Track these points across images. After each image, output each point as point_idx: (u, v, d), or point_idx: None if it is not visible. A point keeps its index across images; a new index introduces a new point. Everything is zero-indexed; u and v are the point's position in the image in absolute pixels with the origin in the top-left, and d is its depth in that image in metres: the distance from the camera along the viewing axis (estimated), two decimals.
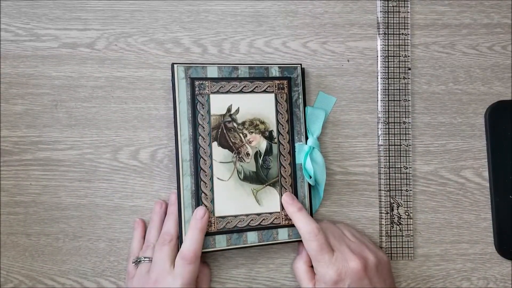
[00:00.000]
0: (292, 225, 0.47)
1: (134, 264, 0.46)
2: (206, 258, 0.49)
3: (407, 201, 0.51)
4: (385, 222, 0.51)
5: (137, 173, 0.49)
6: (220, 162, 0.46)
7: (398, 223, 0.51)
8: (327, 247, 0.44)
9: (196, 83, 0.46)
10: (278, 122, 0.48)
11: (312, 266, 0.45)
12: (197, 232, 0.44)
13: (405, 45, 0.52)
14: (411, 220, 0.51)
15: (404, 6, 0.52)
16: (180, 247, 0.44)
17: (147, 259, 0.45)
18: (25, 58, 0.49)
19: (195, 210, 0.45)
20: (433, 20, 0.53)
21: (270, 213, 0.47)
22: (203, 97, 0.47)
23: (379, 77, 0.52)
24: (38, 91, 0.49)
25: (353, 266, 0.43)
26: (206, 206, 0.45)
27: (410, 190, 0.51)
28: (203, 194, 0.46)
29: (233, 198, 0.46)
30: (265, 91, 0.48)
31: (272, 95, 0.48)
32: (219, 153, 0.46)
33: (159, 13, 0.50)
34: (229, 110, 0.47)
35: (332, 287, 0.42)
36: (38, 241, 0.49)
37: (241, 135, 0.47)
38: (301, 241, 0.46)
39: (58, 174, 0.49)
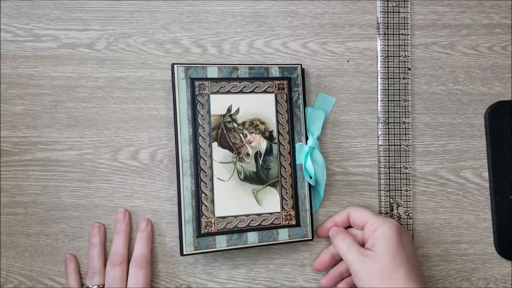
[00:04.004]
0: (292, 226, 0.47)
1: None
2: (206, 258, 0.49)
3: (407, 201, 0.51)
4: None
5: (137, 173, 0.49)
6: (220, 162, 0.46)
7: None
8: None
9: (196, 83, 0.46)
10: (278, 122, 0.48)
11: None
12: (144, 241, 0.47)
13: (405, 45, 0.52)
14: (411, 220, 0.51)
15: (404, 7, 0.52)
16: (181, 246, 0.45)
17: (96, 286, 0.46)
18: (25, 59, 0.49)
19: (139, 223, 0.48)
20: (433, 21, 0.53)
21: (271, 213, 0.47)
22: (203, 97, 0.46)
23: (379, 77, 0.52)
24: (38, 92, 0.49)
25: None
26: (149, 220, 0.48)
27: (410, 190, 0.51)
28: (203, 194, 0.46)
29: (233, 198, 0.46)
30: (265, 92, 0.48)
31: (272, 96, 0.48)
32: (219, 153, 0.46)
33: (159, 14, 0.50)
34: (229, 110, 0.47)
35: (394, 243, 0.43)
36: (38, 242, 0.49)
37: (241, 135, 0.47)
38: (299, 241, 0.47)
39: (58, 174, 0.49)
